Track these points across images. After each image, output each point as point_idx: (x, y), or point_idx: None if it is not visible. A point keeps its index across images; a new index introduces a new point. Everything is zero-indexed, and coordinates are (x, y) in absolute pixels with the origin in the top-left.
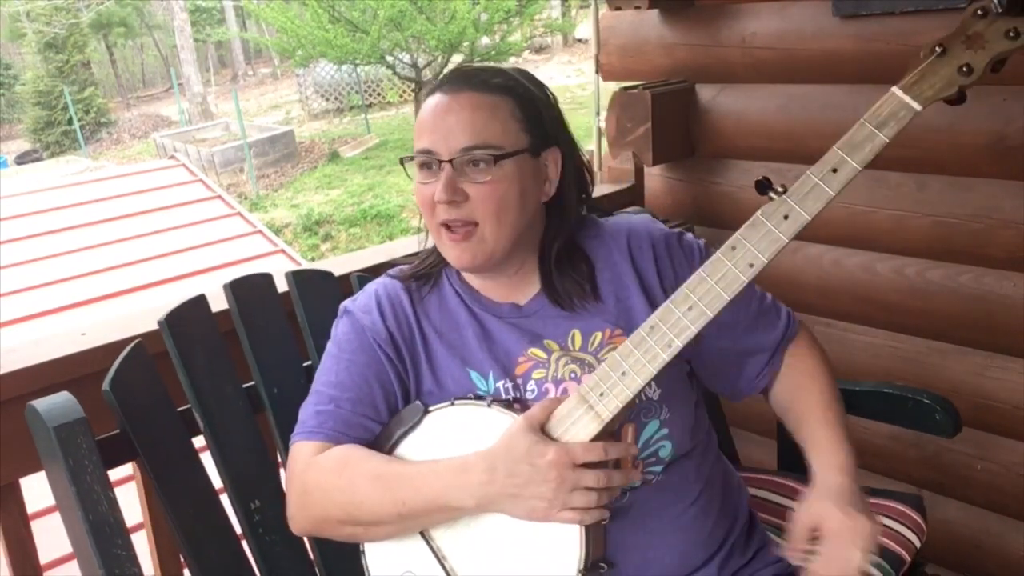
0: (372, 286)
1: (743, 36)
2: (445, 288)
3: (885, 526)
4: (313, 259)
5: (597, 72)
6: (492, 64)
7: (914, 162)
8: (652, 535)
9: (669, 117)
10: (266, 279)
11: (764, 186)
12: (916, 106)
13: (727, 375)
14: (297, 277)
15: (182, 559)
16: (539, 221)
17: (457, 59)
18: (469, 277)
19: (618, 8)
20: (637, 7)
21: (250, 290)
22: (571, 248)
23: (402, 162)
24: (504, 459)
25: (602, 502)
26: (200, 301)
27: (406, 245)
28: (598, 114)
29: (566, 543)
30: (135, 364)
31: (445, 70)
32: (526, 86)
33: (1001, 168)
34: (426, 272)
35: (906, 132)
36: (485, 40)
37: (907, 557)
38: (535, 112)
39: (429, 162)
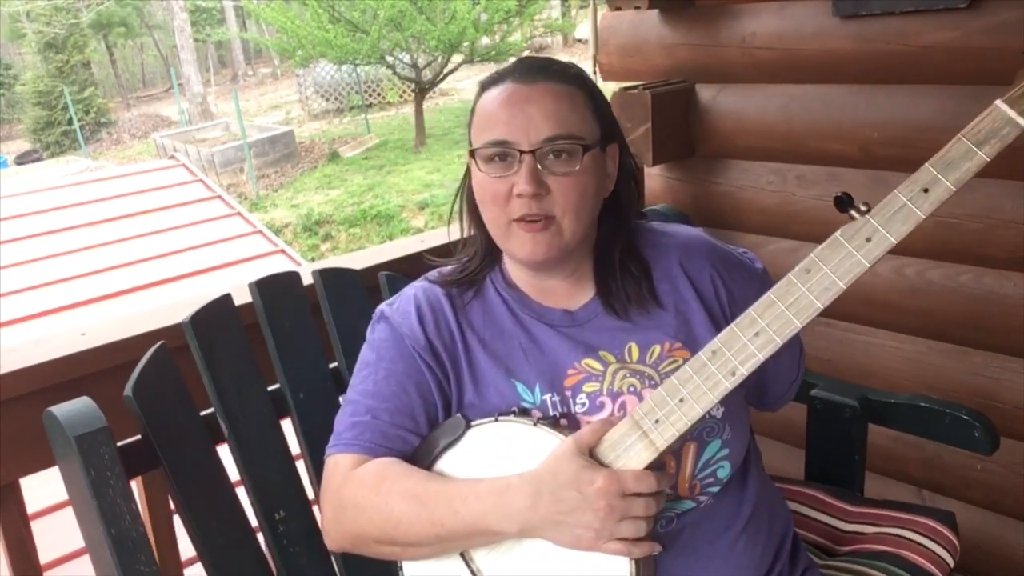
0: (410, 290)
1: (743, 36)
2: (489, 295)
3: (917, 543)
4: (313, 259)
5: (594, 73)
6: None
7: (914, 162)
8: (703, 562)
9: (669, 117)
10: (293, 278)
11: (844, 203)
12: (1023, 122)
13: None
14: (324, 276)
15: (181, 560)
16: (594, 221)
17: (457, 59)
18: (520, 280)
19: (618, 8)
20: (637, 7)
21: (276, 289)
22: (630, 252)
23: (472, 155)
24: (550, 484)
25: (649, 531)
26: (225, 301)
27: (408, 244)
28: None
29: (615, 573)
30: (158, 368)
31: (445, 70)
32: (592, 79)
33: (1001, 168)
34: (469, 278)
35: (905, 131)
36: (485, 40)
37: None
38: (602, 106)
39: (504, 154)
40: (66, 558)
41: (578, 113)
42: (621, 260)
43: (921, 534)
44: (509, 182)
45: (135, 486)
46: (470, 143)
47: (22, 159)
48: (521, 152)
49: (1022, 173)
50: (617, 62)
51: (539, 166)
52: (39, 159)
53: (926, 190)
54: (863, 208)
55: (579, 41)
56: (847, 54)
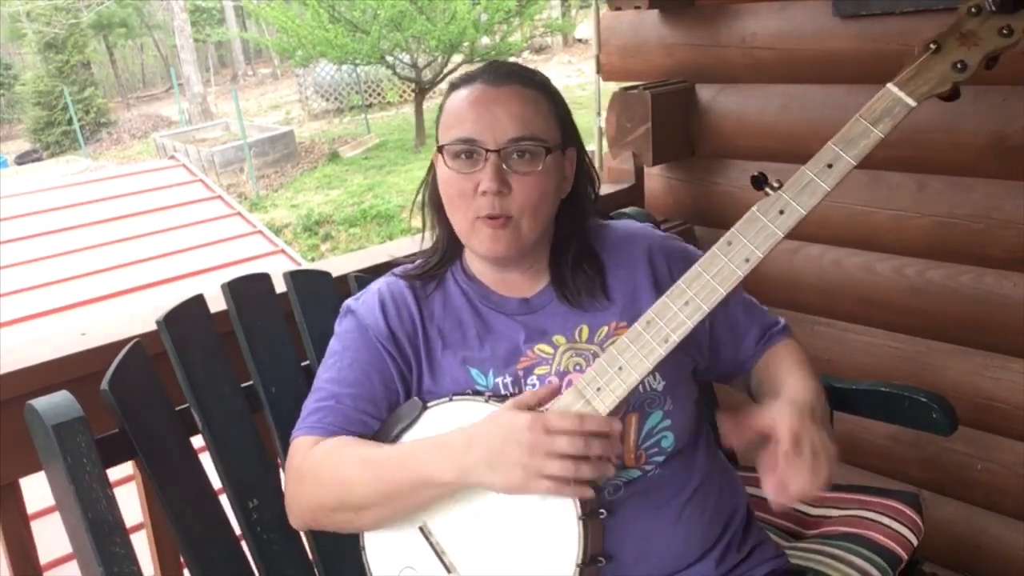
0: (376, 285)
1: (743, 36)
2: (449, 286)
3: (882, 524)
4: (313, 259)
5: (598, 72)
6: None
7: (914, 162)
8: (649, 528)
9: (669, 117)
10: (264, 279)
11: (760, 181)
12: (911, 102)
13: (725, 353)
14: (295, 277)
15: (182, 559)
16: (552, 220)
17: (457, 59)
18: (480, 271)
19: (618, 8)
20: (637, 7)
21: (248, 290)
22: (585, 250)
23: (440, 150)
24: (483, 429)
25: (581, 474)
26: (198, 301)
27: (404, 246)
28: (599, 114)
29: (564, 537)
30: (133, 364)
31: (445, 70)
32: (554, 86)
33: (1001, 168)
34: (431, 273)
35: (906, 132)
36: (485, 40)
37: (904, 555)
38: (563, 111)
39: (471, 151)
40: (66, 558)
41: (541, 116)
42: (575, 257)
43: (885, 515)
44: (475, 179)
45: (135, 486)
46: (438, 140)
47: (22, 159)
48: (487, 151)
49: (1022, 173)
50: (617, 62)
51: (504, 165)
52: (39, 159)
53: (830, 165)
54: (776, 185)
55: (579, 41)
56: (847, 54)
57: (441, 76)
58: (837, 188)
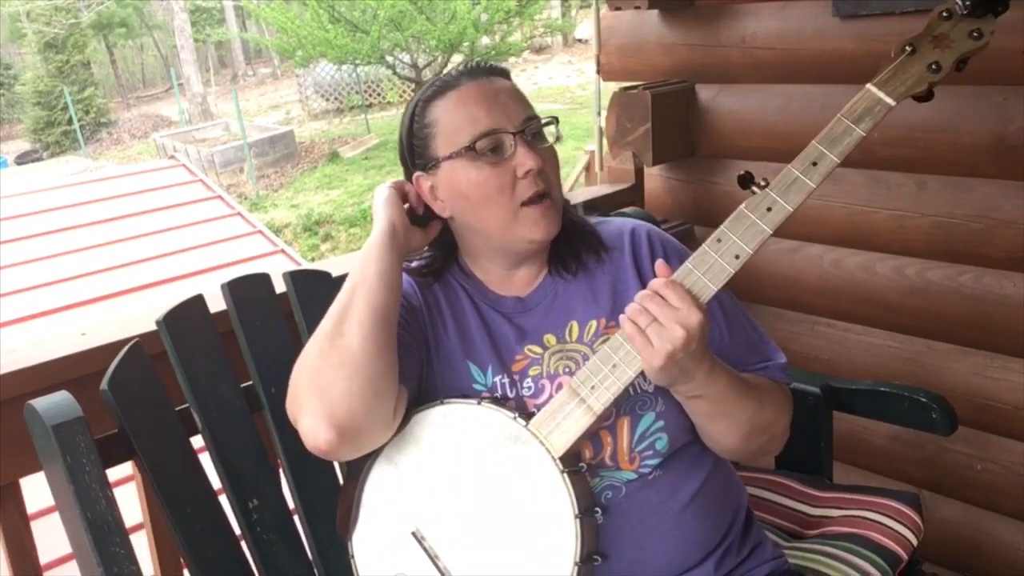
0: None
1: (743, 36)
2: (450, 281)
3: (882, 524)
4: (313, 259)
5: (598, 72)
6: None
7: (914, 162)
8: (649, 531)
9: (669, 117)
10: (263, 279)
11: (746, 180)
12: (890, 101)
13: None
14: (295, 277)
15: (182, 559)
16: None
17: (457, 59)
18: (483, 268)
19: (618, 8)
20: (637, 7)
21: (247, 290)
22: (568, 211)
23: (472, 147)
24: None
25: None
26: (197, 301)
27: None
28: (599, 114)
29: (560, 537)
30: (133, 364)
31: (445, 70)
32: None
33: (1001, 168)
34: (435, 269)
35: (905, 132)
36: (485, 40)
37: (904, 555)
38: None
39: (497, 141)
40: (66, 558)
41: (525, 97)
42: (568, 218)
43: (885, 515)
44: (509, 167)
45: (135, 487)
46: (436, 154)
47: (22, 159)
48: (513, 134)
49: (1022, 173)
50: (617, 62)
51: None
52: (39, 159)
53: (815, 163)
54: (762, 183)
55: (579, 41)
56: (847, 54)
57: None
58: (838, 188)
